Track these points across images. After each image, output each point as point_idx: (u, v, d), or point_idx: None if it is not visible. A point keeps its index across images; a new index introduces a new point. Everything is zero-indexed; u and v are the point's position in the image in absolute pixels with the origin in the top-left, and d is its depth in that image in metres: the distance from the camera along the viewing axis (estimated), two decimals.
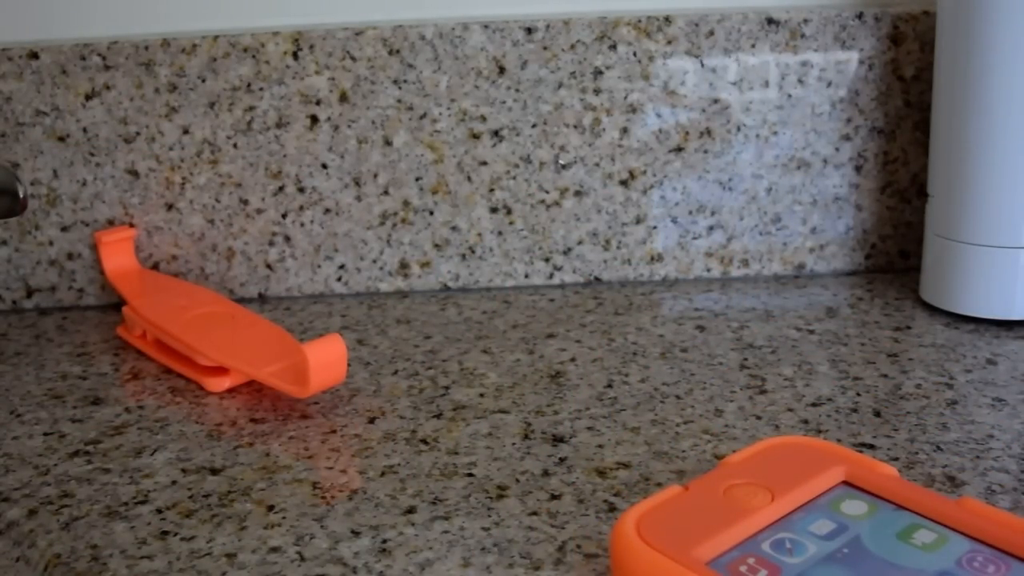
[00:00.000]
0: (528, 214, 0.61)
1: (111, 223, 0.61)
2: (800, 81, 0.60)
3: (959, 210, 0.54)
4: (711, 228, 0.62)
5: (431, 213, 0.61)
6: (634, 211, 0.61)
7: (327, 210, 0.61)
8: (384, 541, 0.38)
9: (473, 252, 0.62)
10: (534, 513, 0.39)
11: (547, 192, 0.61)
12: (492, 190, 0.61)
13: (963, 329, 0.54)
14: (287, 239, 0.61)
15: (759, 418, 0.46)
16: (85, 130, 0.59)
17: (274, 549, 0.38)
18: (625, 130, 0.60)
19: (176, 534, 0.39)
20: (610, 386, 0.49)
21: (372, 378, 0.51)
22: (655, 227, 0.62)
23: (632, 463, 0.42)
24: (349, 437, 0.45)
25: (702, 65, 0.59)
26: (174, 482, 0.42)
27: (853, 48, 0.59)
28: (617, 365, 0.52)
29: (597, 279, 0.63)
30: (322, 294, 0.62)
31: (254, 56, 0.58)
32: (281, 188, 0.60)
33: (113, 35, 0.61)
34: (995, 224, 0.53)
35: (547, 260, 0.62)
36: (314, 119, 0.59)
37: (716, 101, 0.60)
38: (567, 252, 0.62)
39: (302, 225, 0.61)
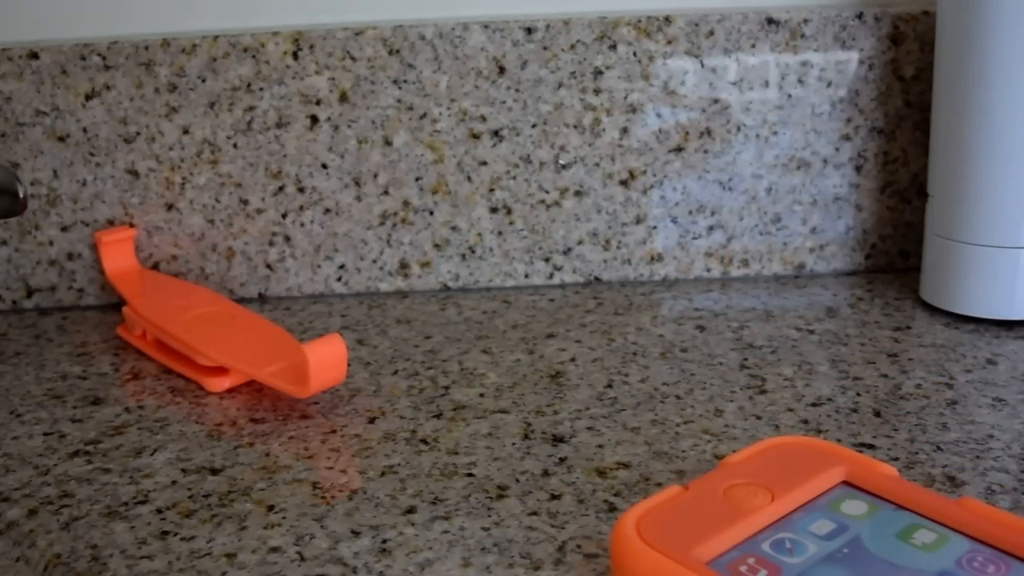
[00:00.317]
0: (528, 214, 0.61)
1: (111, 223, 0.61)
2: (800, 81, 0.60)
3: (959, 210, 0.54)
4: (711, 228, 0.62)
5: (431, 213, 0.61)
6: (634, 211, 0.61)
7: (327, 210, 0.61)
8: (384, 541, 0.38)
9: (473, 252, 0.62)
10: (534, 513, 0.39)
11: (547, 192, 0.61)
12: (492, 190, 0.61)
13: (963, 329, 0.54)
14: (287, 239, 0.61)
15: (759, 418, 0.46)
16: (85, 130, 0.59)
17: (274, 549, 0.38)
18: (625, 130, 0.60)
19: (176, 534, 0.39)
20: (610, 386, 0.49)
21: (372, 378, 0.51)
22: (655, 227, 0.62)
23: (632, 463, 0.42)
24: (349, 437, 0.45)
25: (702, 65, 0.59)
26: (174, 482, 0.42)
27: (853, 48, 0.59)
28: (617, 365, 0.52)
29: (597, 279, 0.63)
30: (322, 294, 0.62)
31: (254, 56, 0.58)
32: (281, 188, 0.60)
33: (113, 35, 0.61)
34: (995, 224, 0.53)
35: (547, 260, 0.62)
36: (314, 119, 0.59)
37: (716, 101, 0.60)
38: (567, 252, 0.62)
39: (302, 225, 0.61)
